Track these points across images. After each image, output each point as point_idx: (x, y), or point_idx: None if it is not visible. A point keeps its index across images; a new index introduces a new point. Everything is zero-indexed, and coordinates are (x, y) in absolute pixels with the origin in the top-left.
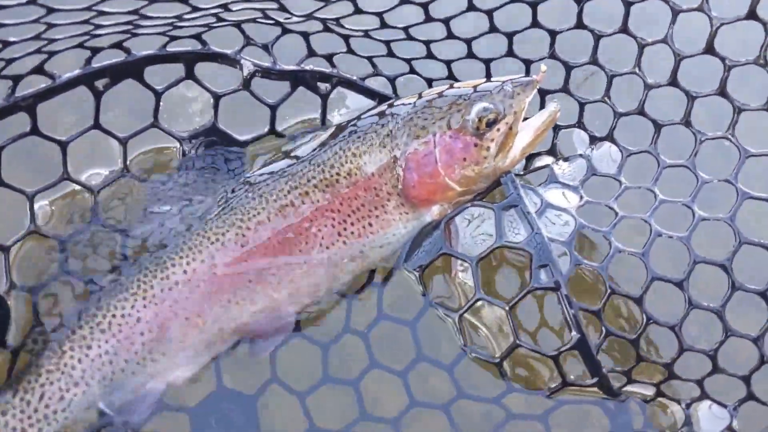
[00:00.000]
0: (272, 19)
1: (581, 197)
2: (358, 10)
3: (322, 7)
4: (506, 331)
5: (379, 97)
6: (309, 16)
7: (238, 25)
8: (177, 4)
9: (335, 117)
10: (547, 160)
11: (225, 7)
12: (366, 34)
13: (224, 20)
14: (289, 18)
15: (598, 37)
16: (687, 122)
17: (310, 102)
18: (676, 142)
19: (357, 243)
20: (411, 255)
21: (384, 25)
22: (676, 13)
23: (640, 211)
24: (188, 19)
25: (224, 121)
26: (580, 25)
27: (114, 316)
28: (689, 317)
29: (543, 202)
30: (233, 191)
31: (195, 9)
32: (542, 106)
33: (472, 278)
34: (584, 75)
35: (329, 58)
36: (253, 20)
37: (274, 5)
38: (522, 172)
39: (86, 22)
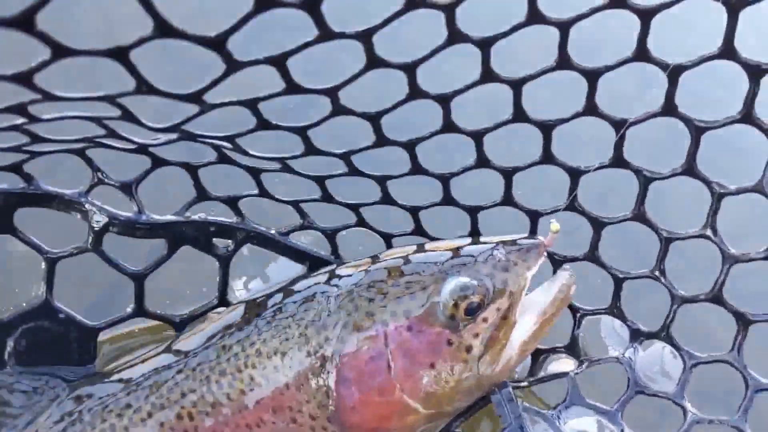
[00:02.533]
0: (128, 140)
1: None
2: (263, 123)
3: (198, 113)
4: None
5: (309, 262)
6: (183, 134)
7: (81, 152)
8: None
9: (244, 294)
10: (566, 364)
11: (23, 111)
12: (284, 164)
13: (43, 139)
14: (156, 138)
15: (647, 180)
16: None
17: (203, 266)
18: None
19: None
20: None
21: (311, 149)
22: None
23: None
24: None
25: (64, 295)
26: (618, 161)
27: None
28: None
29: None
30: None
31: None
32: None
33: None
34: (623, 235)
35: (232, 201)
36: (98, 143)
37: (115, 112)
38: (526, 383)
39: None
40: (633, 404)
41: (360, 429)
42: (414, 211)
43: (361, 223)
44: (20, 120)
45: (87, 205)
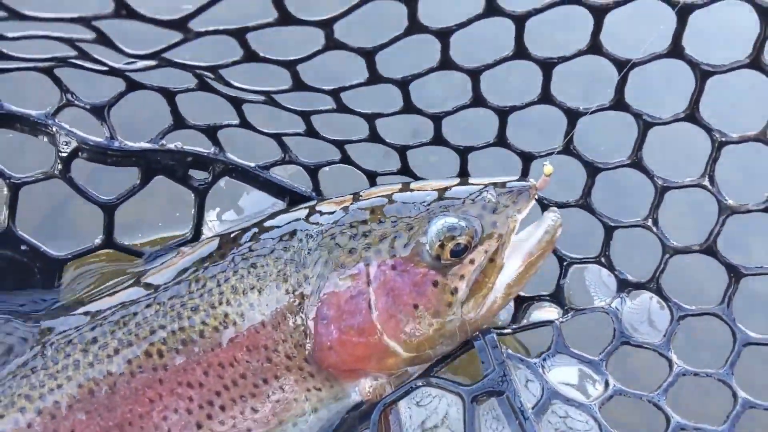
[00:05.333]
0: (101, 63)
1: (606, 383)
2: (250, 55)
3: (181, 41)
4: None
5: (289, 197)
6: (161, 61)
7: (49, 70)
8: None
9: (218, 226)
10: (551, 312)
11: None
12: (269, 96)
13: (7, 56)
14: (132, 62)
15: (647, 125)
16: None
17: (178, 200)
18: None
19: None
20: None
21: (299, 84)
22: None
23: (710, 417)
24: None
25: (28, 224)
26: (619, 104)
27: None
28: None
29: (545, 389)
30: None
31: None
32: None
33: None
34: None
35: (211, 131)
36: (68, 62)
37: (89, 34)
38: (509, 329)
39: None
40: (618, 355)
41: (338, 370)
42: (402, 149)
43: (346, 159)
44: None
45: (54, 128)
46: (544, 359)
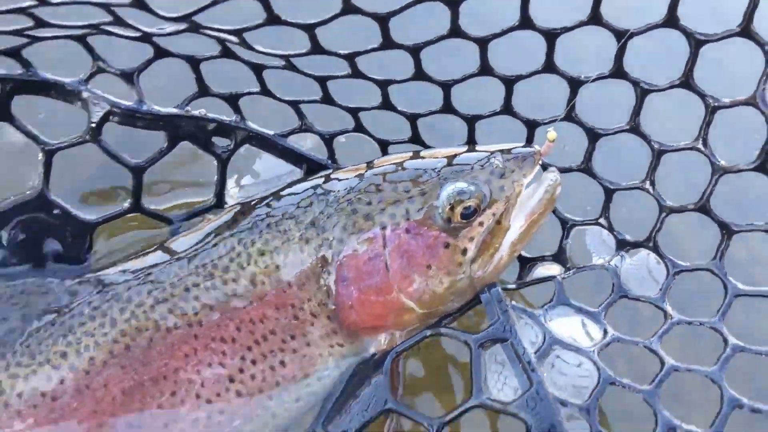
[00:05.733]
0: (133, 28)
1: (605, 331)
2: (273, 18)
3: (209, 5)
4: None
5: (306, 165)
6: (191, 25)
7: (82, 38)
8: None
9: (237, 192)
10: (553, 269)
11: None
12: (289, 61)
13: (47, 23)
14: (162, 28)
15: (644, 92)
16: None
17: (200, 166)
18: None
19: (259, 394)
20: (338, 410)
21: (317, 48)
22: None
23: (701, 359)
24: None
25: (61, 188)
26: (618, 72)
27: None
28: None
29: (547, 337)
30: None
31: None
32: None
33: None
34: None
35: (233, 99)
36: (100, 29)
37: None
38: (514, 285)
39: None
40: (619, 307)
41: (357, 327)
42: (413, 118)
43: (359, 128)
44: (29, 2)
45: (86, 94)
46: (546, 310)
